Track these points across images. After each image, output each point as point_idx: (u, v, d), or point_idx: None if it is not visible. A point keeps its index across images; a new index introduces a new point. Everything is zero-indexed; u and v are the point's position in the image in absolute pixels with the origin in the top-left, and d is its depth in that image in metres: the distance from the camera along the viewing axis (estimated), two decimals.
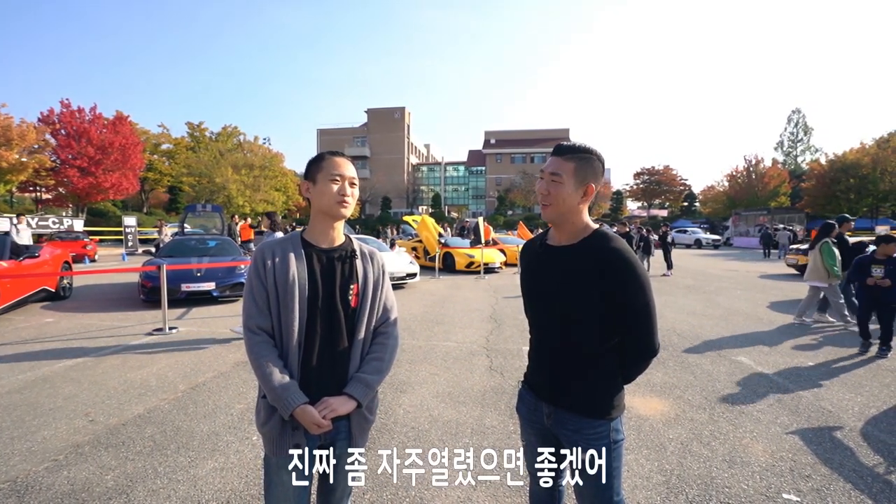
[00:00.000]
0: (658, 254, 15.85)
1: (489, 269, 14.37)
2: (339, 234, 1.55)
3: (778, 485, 2.65)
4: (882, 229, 25.37)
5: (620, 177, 70.43)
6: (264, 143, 38.93)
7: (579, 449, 1.52)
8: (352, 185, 1.50)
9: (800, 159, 51.06)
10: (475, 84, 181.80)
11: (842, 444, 3.16)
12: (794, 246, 16.22)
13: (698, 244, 31.34)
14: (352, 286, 1.49)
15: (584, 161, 1.47)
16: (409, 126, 64.88)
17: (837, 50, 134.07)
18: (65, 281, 8.91)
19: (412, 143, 67.99)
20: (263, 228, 5.68)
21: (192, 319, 7.01)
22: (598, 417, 1.52)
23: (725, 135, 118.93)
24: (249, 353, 1.40)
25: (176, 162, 39.41)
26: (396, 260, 10.72)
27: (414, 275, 10.58)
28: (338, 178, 1.46)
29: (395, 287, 10.44)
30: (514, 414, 3.57)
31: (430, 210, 53.38)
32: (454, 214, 62.30)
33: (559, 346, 1.55)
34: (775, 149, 55.13)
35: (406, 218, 17.61)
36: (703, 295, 9.97)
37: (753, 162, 43.73)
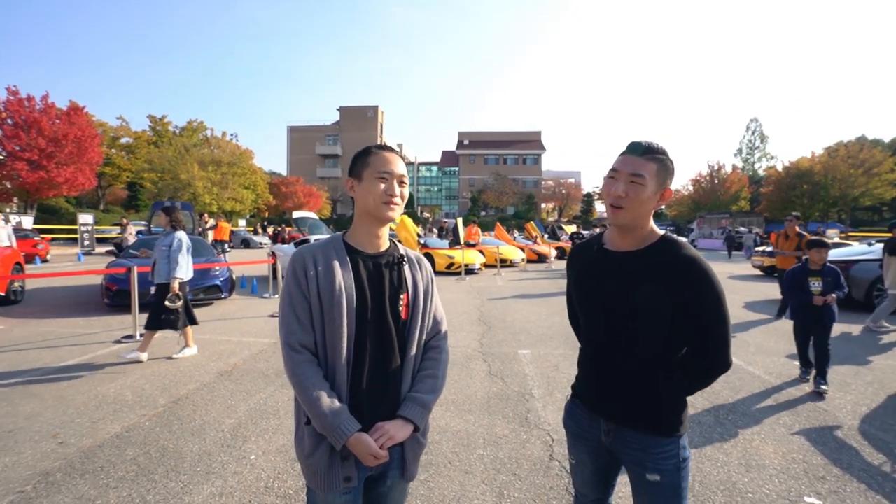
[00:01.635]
0: None
1: (469, 271, 14.31)
2: (385, 237, 1.38)
3: (798, 488, 2.64)
4: (832, 232, 26.90)
5: (591, 179, 71.85)
6: (232, 138, 37.49)
7: (646, 469, 1.41)
8: (401, 183, 1.33)
9: (757, 166, 53.61)
10: (448, 84, 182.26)
11: (845, 444, 3.21)
12: (760, 248, 16.88)
13: None
14: (402, 296, 1.33)
15: (664, 162, 1.36)
16: (382, 125, 64.24)
17: (792, 62, 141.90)
18: (16, 284, 8.23)
19: (385, 141, 67.38)
20: (161, 226, 5.17)
21: None
22: (666, 435, 1.41)
23: (691, 141, 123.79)
24: (292, 375, 1.22)
25: (136, 157, 37.46)
26: None
27: None
28: (386, 175, 1.29)
29: None
30: (524, 422, 3.47)
31: (403, 210, 53.02)
32: (426, 215, 62.09)
33: (623, 357, 1.43)
34: (735, 155, 57.69)
35: None
36: None
37: (716, 168, 45.65)
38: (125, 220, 14.57)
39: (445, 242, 16.44)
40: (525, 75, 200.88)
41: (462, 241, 15.53)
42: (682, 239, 1.44)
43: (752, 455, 3.01)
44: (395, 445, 1.27)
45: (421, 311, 1.36)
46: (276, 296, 8.79)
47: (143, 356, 4.78)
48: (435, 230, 23.20)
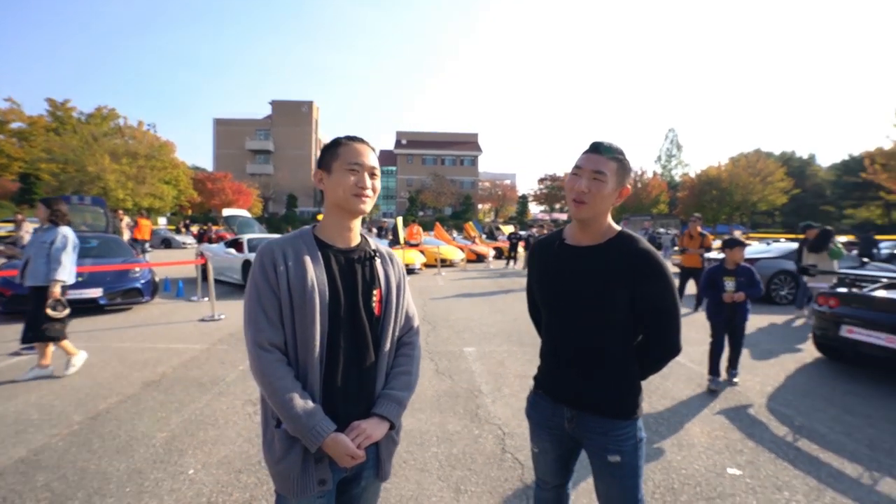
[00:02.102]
0: None
1: (410, 270, 14.26)
2: (356, 232, 1.34)
3: (721, 461, 2.92)
4: (737, 234, 30.04)
5: (526, 182, 74.39)
6: (149, 129, 34.33)
7: (608, 451, 1.50)
8: (372, 175, 1.30)
9: (674, 172, 58.49)
10: (386, 82, 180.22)
11: (757, 420, 3.60)
12: (676, 248, 18.44)
13: None
14: (374, 292, 1.30)
15: (624, 162, 1.45)
16: (317, 121, 62.15)
17: (703, 77, 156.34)
18: None
19: (320, 139, 65.25)
20: (39, 220, 4.42)
21: (74, 333, 5.88)
22: (625, 418, 1.50)
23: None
24: (261, 375, 1.15)
25: (31, 145, 33.21)
26: None
27: None
28: (356, 167, 1.26)
29: None
30: (475, 417, 3.52)
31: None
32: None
33: (584, 346, 1.50)
34: (655, 162, 62.54)
35: (320, 217, 16.70)
36: None
37: (639, 173, 49.23)
38: (20, 216, 12.76)
39: (385, 242, 16.27)
40: (461, 78, 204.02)
41: (402, 241, 15.46)
42: (635, 233, 1.54)
43: (682, 435, 3.29)
44: (369, 445, 1.24)
45: (394, 307, 1.35)
46: (206, 299, 8.22)
47: (50, 368, 4.25)
48: (374, 230, 22.86)
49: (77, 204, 9.50)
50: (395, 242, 15.82)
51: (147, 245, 13.05)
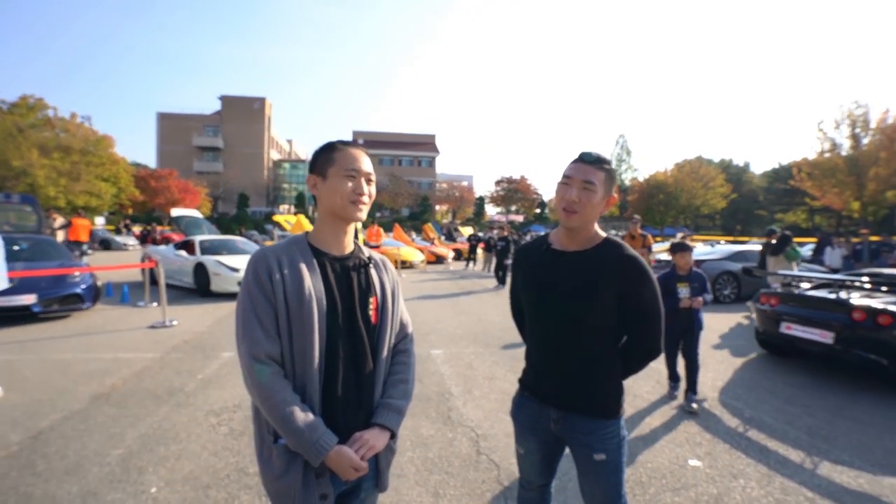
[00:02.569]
0: None
1: None
2: (350, 238, 1.32)
3: (682, 454, 3.09)
4: (679, 236, 31.89)
5: (482, 184, 75.11)
6: (84, 122, 31.83)
7: (593, 450, 1.55)
8: (368, 181, 1.28)
9: (624, 176, 61.13)
10: (342, 81, 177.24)
11: (711, 413, 3.84)
12: None
13: None
14: (371, 299, 1.29)
15: (611, 172, 1.51)
16: (269, 118, 60.07)
17: (653, 84, 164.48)
18: None
19: (273, 137, 63.14)
20: None
21: (6, 345, 5.38)
22: (610, 418, 1.56)
23: (572, 150, 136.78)
24: (258, 390, 1.10)
25: None
26: None
27: None
28: (353, 173, 1.23)
29: None
30: (448, 420, 3.53)
31: (294, 210, 50.16)
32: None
33: (571, 348, 1.54)
34: None
35: (277, 217, 16.16)
36: None
37: None
38: None
39: None
40: (419, 80, 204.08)
41: (362, 243, 15.25)
42: (618, 239, 1.61)
43: (645, 430, 3.45)
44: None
45: (390, 314, 1.34)
46: (155, 304, 7.75)
47: None
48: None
49: (3, 203, 8.69)
50: None
51: (86, 247, 12.12)
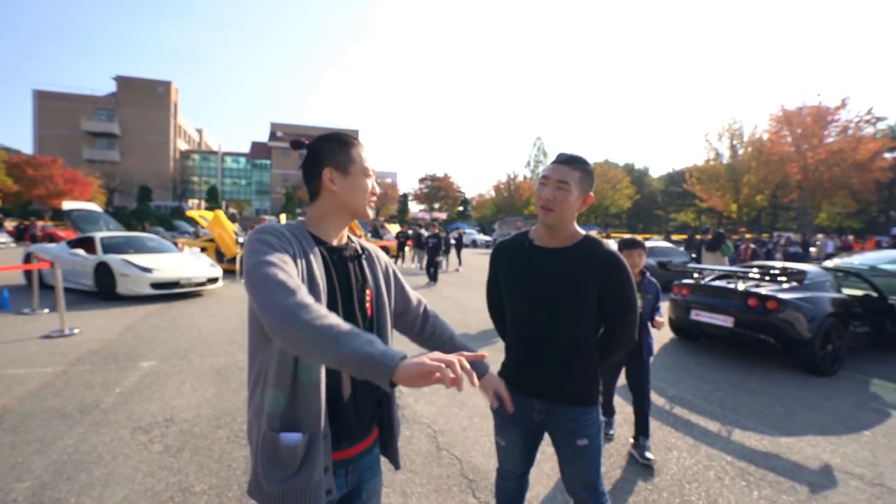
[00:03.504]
0: (451, 252, 17.74)
1: None
2: (346, 231, 1.33)
3: (625, 434, 3.37)
4: (594, 234, 34.48)
5: (406, 181, 75.23)
6: None
7: (576, 436, 1.64)
8: (375, 180, 1.31)
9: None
10: (260, 70, 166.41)
11: None
12: None
13: (474, 244, 36.33)
14: (367, 291, 1.28)
15: (587, 172, 1.59)
16: (176, 105, 54.74)
17: (567, 87, 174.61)
18: None
19: (181, 125, 57.67)
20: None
21: None
22: (590, 404, 1.67)
23: (494, 151, 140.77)
24: (312, 331, 0.87)
25: None
26: (195, 263, 8.98)
27: (216, 279, 9.07)
28: (371, 172, 1.27)
29: (193, 294, 8.77)
30: (403, 419, 3.52)
31: (206, 205, 46.30)
32: (232, 210, 55.82)
33: (555, 341, 1.62)
34: (525, 167, 68.24)
35: (191, 213, 14.78)
36: None
37: (513, 177, 53.35)
38: None
39: None
40: (342, 73, 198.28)
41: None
42: (595, 235, 1.72)
43: None
44: (368, 453, 1.25)
45: (386, 307, 1.34)
46: (46, 311, 6.76)
47: None
48: (252, 222, 21.01)
49: None
50: None
51: None
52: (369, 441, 1.26)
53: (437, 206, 59.85)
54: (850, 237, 24.12)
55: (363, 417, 1.22)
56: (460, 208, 60.53)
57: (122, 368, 4.48)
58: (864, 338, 5.39)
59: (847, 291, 5.71)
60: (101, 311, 7.10)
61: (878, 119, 28.39)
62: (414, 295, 1.49)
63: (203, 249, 12.59)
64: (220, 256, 13.00)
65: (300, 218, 1.32)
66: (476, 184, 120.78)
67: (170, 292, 8.23)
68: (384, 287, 1.34)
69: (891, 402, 4.18)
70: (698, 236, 9.61)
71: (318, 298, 1.09)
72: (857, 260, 9.92)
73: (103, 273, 7.94)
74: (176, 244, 11.47)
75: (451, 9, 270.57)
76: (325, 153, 1.22)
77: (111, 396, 3.76)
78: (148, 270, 7.92)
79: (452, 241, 17.87)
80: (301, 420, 1.08)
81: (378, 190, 1.31)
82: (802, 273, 5.46)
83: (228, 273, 11.73)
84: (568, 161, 1.58)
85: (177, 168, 53.70)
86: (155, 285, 7.96)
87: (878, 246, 20.01)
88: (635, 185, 51.37)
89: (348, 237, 1.33)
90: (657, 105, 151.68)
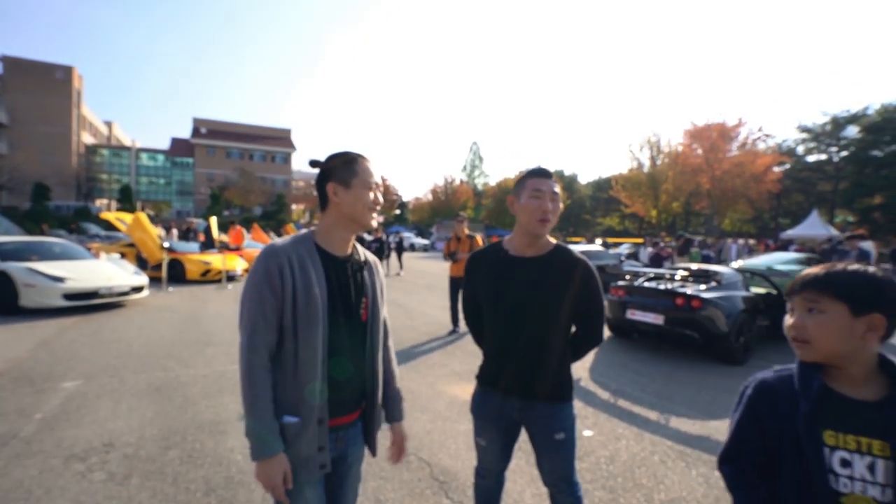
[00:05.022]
0: (392, 256, 17.67)
1: (230, 277, 12.71)
2: (353, 241, 1.44)
3: (578, 427, 3.58)
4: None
5: None
6: None
7: (554, 431, 1.77)
8: (378, 191, 1.42)
9: (477, 181, 65.99)
10: (176, 60, 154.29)
11: (588, 390, 4.52)
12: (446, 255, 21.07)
13: (412, 248, 36.40)
14: (363, 299, 1.42)
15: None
16: (80, 93, 49.31)
17: (500, 93, 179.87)
18: None
19: (86, 116, 52.03)
20: None
21: None
22: (566, 400, 1.81)
23: (431, 154, 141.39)
24: (247, 374, 1.24)
25: None
26: (115, 270, 8.18)
27: (141, 288, 8.34)
28: (373, 185, 1.38)
29: (114, 305, 8.01)
30: None
31: (118, 205, 42.10)
32: (149, 211, 51.37)
33: (531, 343, 1.74)
34: (462, 171, 69.45)
35: (106, 215, 13.41)
36: (443, 291, 11.70)
37: (450, 180, 54.05)
38: None
39: (195, 246, 14.13)
40: (270, 68, 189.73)
41: (217, 244, 13.70)
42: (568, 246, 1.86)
43: None
44: (353, 426, 1.45)
45: (379, 315, 1.49)
46: None
47: None
48: (175, 230, 19.55)
49: None
50: (208, 246, 13.93)
51: None
52: (355, 415, 1.46)
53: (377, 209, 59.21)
54: (751, 241, 27.16)
55: (354, 396, 1.43)
56: (397, 212, 60.26)
57: (40, 391, 4.01)
58: (766, 330, 6.18)
59: (753, 290, 6.50)
60: (1, 328, 6.26)
61: (768, 136, 32.81)
62: (383, 318, 1.57)
63: (122, 255, 11.51)
64: (141, 263, 11.98)
65: (309, 228, 1.48)
66: (413, 187, 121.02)
67: (87, 304, 7.44)
68: (380, 296, 1.48)
69: None
70: (678, 241, 10.78)
71: (315, 309, 1.27)
72: (758, 261, 11.30)
73: (1, 284, 7.00)
74: (89, 250, 10.39)
75: (386, 9, 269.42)
76: (330, 170, 1.35)
77: (31, 424, 3.36)
78: (59, 280, 7.11)
79: (393, 245, 17.80)
80: (299, 407, 1.28)
81: (381, 200, 1.41)
82: (720, 274, 6.13)
83: (154, 281, 10.82)
84: (550, 175, 1.73)
85: (82, 164, 48.38)
86: (69, 296, 7.16)
87: (767, 248, 22.86)
88: (566, 191, 54.13)
89: (355, 247, 1.43)
90: (585, 115, 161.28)
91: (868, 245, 9.22)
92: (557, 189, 1.71)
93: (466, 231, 6.85)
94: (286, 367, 1.27)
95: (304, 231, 1.39)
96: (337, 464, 1.42)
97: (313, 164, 1.43)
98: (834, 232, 23.51)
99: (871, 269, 1.02)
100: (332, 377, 1.33)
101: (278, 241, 1.32)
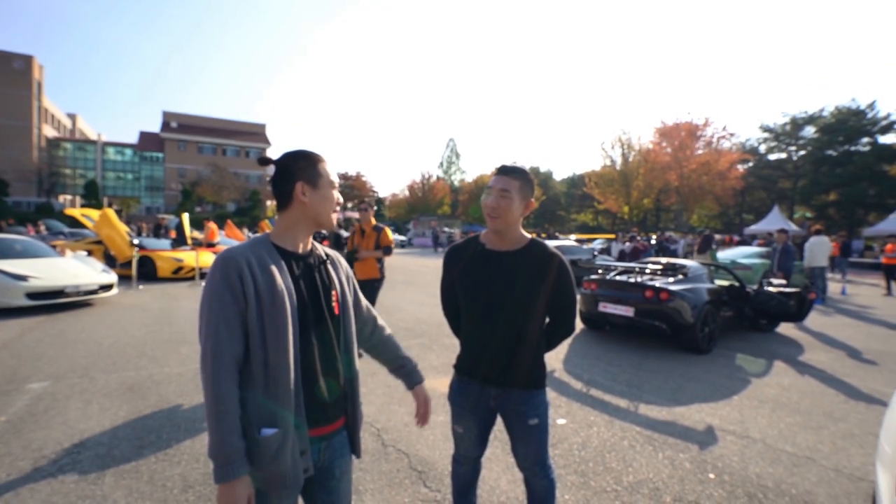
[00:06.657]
0: None
1: (203, 275, 12.45)
2: (310, 238, 1.45)
3: (552, 415, 3.69)
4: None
5: None
6: None
7: (528, 416, 1.86)
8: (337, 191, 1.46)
9: (454, 178, 66.19)
10: (144, 51, 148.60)
11: (562, 381, 4.66)
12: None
13: None
14: (332, 293, 1.42)
15: (527, 180, 1.82)
16: (41, 84, 47.06)
17: (478, 92, 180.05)
18: None
19: (47, 108, 49.68)
20: None
21: None
22: (540, 387, 1.90)
23: (407, 150, 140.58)
24: (213, 387, 1.14)
25: None
26: (82, 268, 7.92)
27: (110, 286, 8.10)
28: (335, 185, 1.40)
29: (82, 304, 7.76)
30: None
31: (81, 201, 40.45)
32: (116, 207, 49.56)
33: (507, 334, 1.82)
34: (439, 167, 69.47)
35: (71, 211, 12.90)
36: (420, 287, 11.81)
37: (427, 177, 54.01)
38: None
39: (166, 243, 13.76)
40: (241, 62, 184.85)
41: (189, 241, 13.36)
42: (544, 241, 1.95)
43: None
44: (336, 435, 1.39)
45: (350, 304, 1.48)
46: None
47: None
48: (146, 226, 18.96)
49: None
50: (179, 242, 13.58)
51: None
52: (339, 423, 1.41)
53: (349, 205, 58.63)
54: (718, 235, 28.11)
55: (333, 395, 1.37)
56: (374, 207, 59.93)
57: (4, 393, 3.89)
58: (730, 320, 6.48)
59: (718, 282, 6.79)
60: None
61: (732, 135, 34.03)
62: (365, 302, 1.62)
63: (89, 253, 11.13)
64: (110, 260, 11.61)
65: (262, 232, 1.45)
66: (389, 183, 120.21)
67: (52, 303, 7.19)
68: (347, 289, 1.49)
69: (751, 372, 5.10)
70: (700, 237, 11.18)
71: (283, 307, 1.22)
72: (722, 255, 11.76)
73: None
74: (54, 247, 10.00)
75: (365, 4, 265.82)
76: (296, 169, 1.33)
77: None
78: (22, 278, 6.85)
79: None
80: (276, 417, 1.21)
81: (341, 200, 1.43)
82: (686, 267, 6.39)
83: (124, 279, 10.50)
84: (508, 171, 1.79)
85: (43, 158, 46.25)
86: (32, 295, 6.90)
87: (731, 241, 23.74)
88: (541, 188, 54.78)
89: (312, 244, 1.44)
90: (561, 113, 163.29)
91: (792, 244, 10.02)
92: (511, 186, 1.74)
93: (374, 221, 5.45)
94: (256, 377, 1.19)
95: (258, 234, 1.38)
96: (324, 477, 1.36)
97: (264, 161, 1.40)
98: (794, 227, 24.62)
99: None
100: (309, 379, 1.29)
101: (233, 246, 1.29)
